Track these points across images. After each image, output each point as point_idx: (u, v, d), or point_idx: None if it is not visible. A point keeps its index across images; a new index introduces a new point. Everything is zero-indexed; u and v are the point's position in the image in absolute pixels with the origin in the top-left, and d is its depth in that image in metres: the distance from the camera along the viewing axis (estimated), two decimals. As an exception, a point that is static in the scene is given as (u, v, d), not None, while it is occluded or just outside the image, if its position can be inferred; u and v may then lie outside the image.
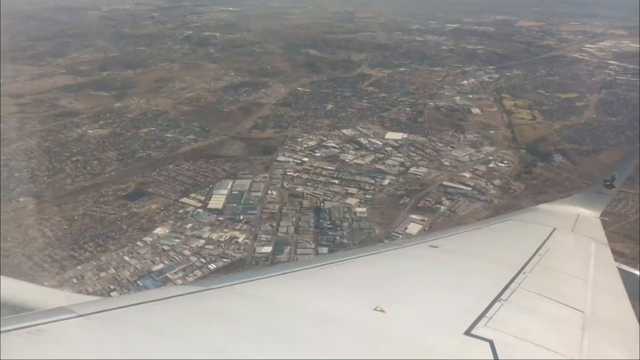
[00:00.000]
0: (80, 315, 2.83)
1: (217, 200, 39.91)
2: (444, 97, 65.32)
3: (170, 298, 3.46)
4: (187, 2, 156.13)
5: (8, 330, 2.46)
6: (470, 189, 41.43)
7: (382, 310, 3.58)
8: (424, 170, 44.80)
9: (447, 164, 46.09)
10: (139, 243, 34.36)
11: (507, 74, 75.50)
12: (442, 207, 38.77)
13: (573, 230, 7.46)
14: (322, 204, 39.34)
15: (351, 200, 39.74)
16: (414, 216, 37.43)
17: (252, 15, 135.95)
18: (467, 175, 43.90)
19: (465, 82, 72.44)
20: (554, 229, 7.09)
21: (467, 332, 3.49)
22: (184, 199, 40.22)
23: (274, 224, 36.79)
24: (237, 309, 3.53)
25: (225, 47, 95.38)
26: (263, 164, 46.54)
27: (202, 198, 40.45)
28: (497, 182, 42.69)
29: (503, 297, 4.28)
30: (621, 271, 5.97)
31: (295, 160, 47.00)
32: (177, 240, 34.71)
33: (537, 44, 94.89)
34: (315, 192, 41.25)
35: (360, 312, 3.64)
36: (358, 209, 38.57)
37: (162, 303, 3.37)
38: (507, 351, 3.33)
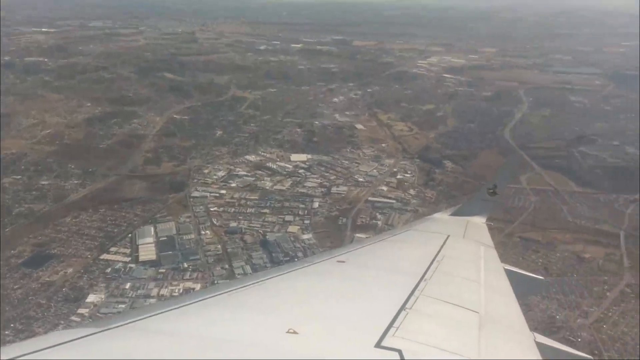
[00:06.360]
0: None
1: (147, 251, 35.10)
2: (325, 116, 67.98)
3: (67, 343, 3.22)
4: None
5: None
6: (394, 201, 44.05)
7: (294, 332, 3.64)
8: (345, 188, 46.11)
9: (361, 179, 48.18)
10: (73, 318, 28.27)
11: (368, 90, 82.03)
12: (379, 223, 40.47)
13: (464, 235, 7.97)
14: (265, 237, 37.65)
15: (292, 228, 38.87)
16: (360, 235, 38.27)
17: (77, 37, 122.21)
18: (385, 188, 46.59)
19: (335, 99, 76.49)
20: (448, 235, 7.52)
21: (378, 344, 3.64)
22: (105, 256, 34.38)
23: (226, 265, 33.93)
24: (142, 348, 3.37)
25: (64, 74, 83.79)
26: (178, 203, 42.40)
27: (127, 251, 35.12)
28: (412, 192, 46.23)
29: (407, 305, 4.49)
30: (506, 270, 6.66)
31: (212, 194, 43.91)
32: (122, 306, 29.52)
33: (379, 61, 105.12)
34: (251, 225, 39.22)
35: (274, 335, 3.67)
36: (304, 236, 37.91)
37: (59, 349, 3.10)
38: (415, 358, 3.53)
